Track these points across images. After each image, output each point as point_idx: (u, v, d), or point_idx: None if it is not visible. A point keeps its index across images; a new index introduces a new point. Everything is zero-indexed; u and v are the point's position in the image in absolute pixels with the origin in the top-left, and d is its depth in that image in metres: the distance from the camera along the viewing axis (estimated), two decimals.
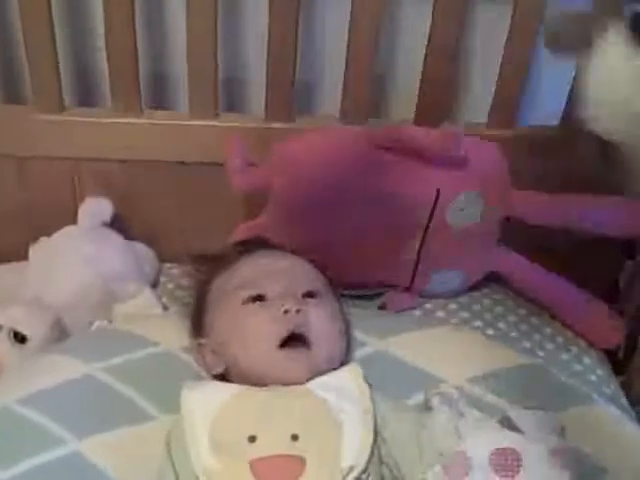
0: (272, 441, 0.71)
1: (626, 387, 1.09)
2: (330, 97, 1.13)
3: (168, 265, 1.19)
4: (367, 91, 1.09)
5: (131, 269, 1.08)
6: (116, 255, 1.07)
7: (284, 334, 0.78)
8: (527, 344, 1.10)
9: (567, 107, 1.11)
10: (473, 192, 1.03)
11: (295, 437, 0.71)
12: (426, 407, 0.81)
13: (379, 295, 1.14)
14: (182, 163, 1.13)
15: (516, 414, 0.76)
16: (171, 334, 0.90)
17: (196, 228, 1.17)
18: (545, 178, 1.10)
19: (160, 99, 1.18)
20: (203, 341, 0.84)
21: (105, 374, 0.84)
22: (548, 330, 1.14)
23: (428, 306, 1.15)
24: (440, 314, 1.14)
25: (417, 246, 1.07)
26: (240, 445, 0.71)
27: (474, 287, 1.18)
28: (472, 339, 0.94)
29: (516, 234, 1.11)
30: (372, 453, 0.72)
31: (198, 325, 0.87)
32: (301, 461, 0.70)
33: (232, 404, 0.74)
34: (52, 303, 1.01)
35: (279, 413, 0.73)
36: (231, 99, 1.17)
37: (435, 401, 0.79)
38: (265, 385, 0.76)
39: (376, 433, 0.74)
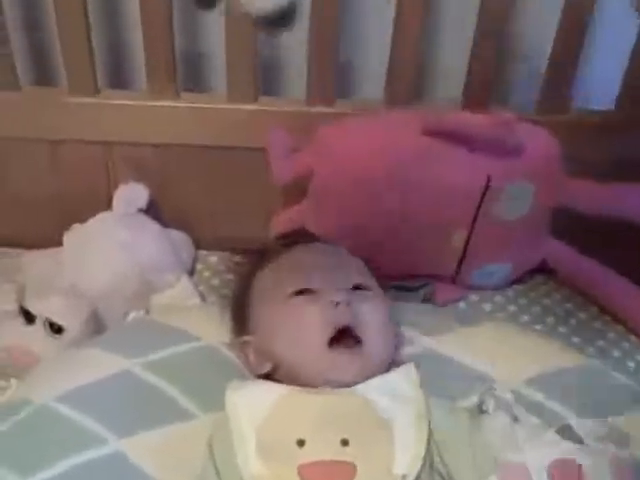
0: (321, 446, 0.67)
1: None
2: (372, 80, 1.08)
3: (205, 252, 1.16)
4: (413, 73, 1.05)
5: (168, 258, 1.04)
6: (153, 243, 1.04)
7: (334, 329, 0.74)
8: (576, 340, 1.07)
9: (622, 91, 1.06)
10: (525, 182, 0.99)
11: (345, 442, 0.67)
12: (480, 410, 0.77)
13: (422, 287, 1.10)
14: (219, 147, 1.09)
15: (576, 422, 0.72)
16: (212, 328, 0.86)
17: (232, 214, 1.14)
18: (599, 165, 1.05)
19: (196, 81, 1.14)
20: (247, 339, 0.81)
21: (145, 370, 0.81)
22: (598, 325, 1.10)
23: (473, 298, 1.12)
24: (486, 307, 1.11)
25: (464, 237, 1.02)
26: (288, 449, 0.67)
27: (520, 278, 1.14)
28: (525, 336, 0.90)
29: (565, 224, 1.07)
30: (425, 460, 0.69)
31: (241, 322, 0.83)
32: (351, 467, 0.66)
33: (280, 406, 0.70)
34: (87, 291, 0.98)
35: (329, 417, 0.69)
36: (270, 82, 1.13)
37: (490, 405, 0.75)
38: (314, 386, 0.72)
39: (429, 438, 0.70)
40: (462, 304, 1.10)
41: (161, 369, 0.81)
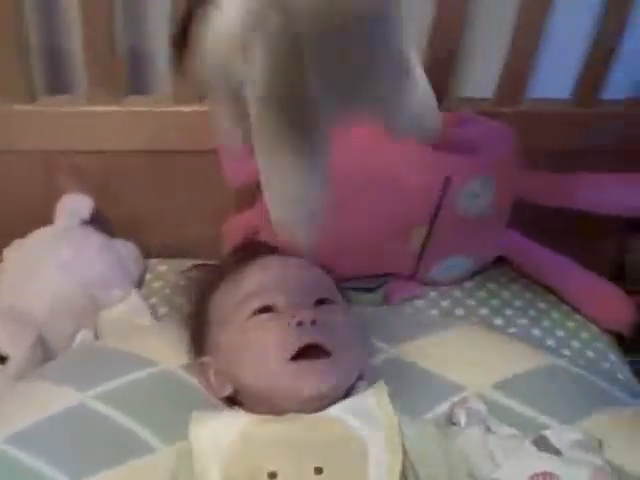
0: (294, 477, 0.64)
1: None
2: None
3: (154, 261, 1.11)
4: None
5: (114, 272, 0.99)
6: (97, 258, 0.98)
7: (297, 346, 0.70)
8: (536, 332, 1.06)
9: (578, 80, 1.05)
10: (483, 177, 0.97)
11: (319, 470, 0.64)
12: (451, 422, 0.75)
13: (381, 285, 1.08)
14: (165, 152, 1.04)
15: (552, 432, 0.71)
16: (168, 350, 0.82)
17: (182, 220, 1.10)
18: (555, 155, 1.04)
19: (138, 82, 1.08)
20: (206, 360, 0.77)
21: (99, 402, 0.77)
22: (557, 315, 1.10)
23: (432, 294, 1.10)
24: (445, 303, 1.09)
25: (424, 234, 1.00)
26: None
27: (477, 271, 1.13)
28: (490, 340, 0.89)
29: (520, 215, 1.06)
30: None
31: (199, 343, 0.79)
32: None
33: (247, 437, 0.67)
34: (28, 313, 0.92)
35: (300, 445, 0.66)
36: None
37: (462, 418, 0.73)
38: (281, 408, 0.69)
39: (404, 460, 0.68)
40: (421, 303, 1.08)
41: (116, 400, 0.77)
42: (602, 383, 0.84)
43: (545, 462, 0.68)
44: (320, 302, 0.75)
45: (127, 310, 0.97)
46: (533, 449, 0.69)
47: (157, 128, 1.02)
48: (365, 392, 0.72)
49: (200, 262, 0.94)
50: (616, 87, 1.03)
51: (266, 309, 0.74)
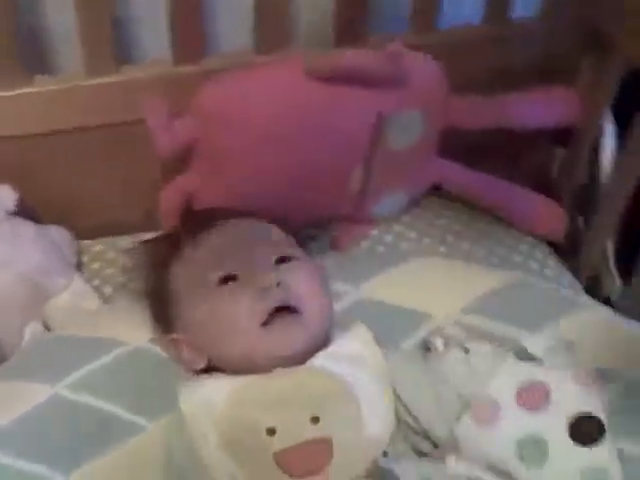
0: (293, 429, 0.65)
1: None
2: (239, 29, 1.02)
3: (87, 242, 1.07)
4: (282, 16, 0.99)
5: (53, 260, 0.95)
6: (32, 248, 0.93)
7: (266, 312, 0.69)
8: (480, 252, 1.09)
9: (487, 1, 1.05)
10: (414, 110, 0.98)
11: (315, 419, 0.65)
12: (426, 350, 0.76)
13: (326, 231, 1.08)
14: (84, 128, 0.99)
15: (529, 344, 0.73)
16: (127, 328, 0.80)
17: (111, 197, 1.06)
18: (474, 79, 1.05)
19: (42, 61, 1.02)
20: (175, 336, 0.75)
21: (75, 391, 0.74)
22: (495, 233, 1.13)
23: (374, 232, 1.11)
24: (388, 239, 1.10)
25: (361, 173, 1.00)
26: (259, 441, 0.64)
27: (412, 202, 1.14)
28: (447, 267, 0.90)
29: (447, 142, 1.07)
30: (395, 415, 0.68)
31: (164, 320, 0.77)
32: (328, 442, 0.64)
33: (239, 399, 0.67)
34: None
35: (292, 398, 0.67)
36: (129, 48, 1.03)
37: (439, 344, 0.74)
38: (263, 371, 0.68)
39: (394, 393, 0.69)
40: (366, 242, 1.09)
41: (90, 387, 0.75)
42: (559, 289, 0.87)
43: (530, 371, 0.70)
44: (280, 260, 0.74)
45: (73, 296, 0.94)
46: (516, 360, 0.71)
47: (72, 105, 0.97)
48: (345, 335, 0.72)
49: (144, 238, 0.92)
50: (525, 4, 1.05)
51: (229, 278, 0.72)
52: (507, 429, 0.68)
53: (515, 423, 0.69)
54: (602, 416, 0.68)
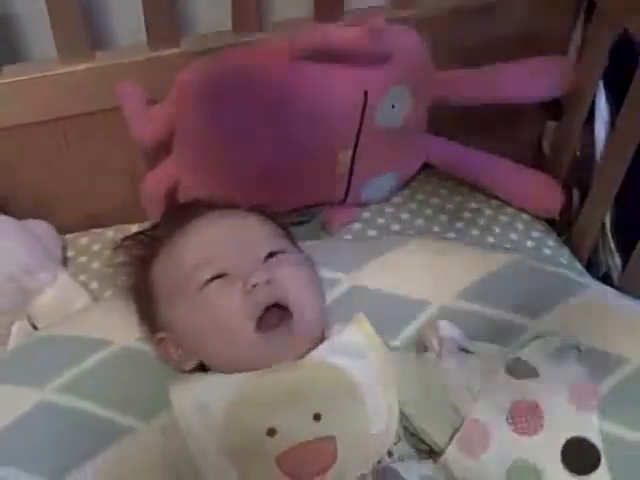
0: (295, 429, 0.62)
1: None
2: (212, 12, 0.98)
3: (72, 236, 1.04)
4: None
5: (37, 256, 0.92)
6: (16, 245, 0.90)
7: (258, 312, 0.66)
8: (475, 232, 1.07)
9: None
10: (400, 86, 0.94)
11: (317, 416, 0.63)
12: (424, 348, 0.73)
13: (315, 216, 1.05)
14: (60, 119, 0.95)
15: (527, 352, 0.69)
16: (116, 326, 0.77)
17: (92, 188, 1.03)
18: (461, 52, 1.02)
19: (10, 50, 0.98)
20: (164, 336, 0.72)
21: (63, 394, 0.71)
22: (489, 212, 1.10)
23: (366, 215, 1.08)
24: (380, 221, 1.08)
25: (350, 155, 0.97)
26: (260, 443, 0.61)
27: (404, 184, 1.12)
28: (443, 250, 0.86)
29: (437, 119, 1.04)
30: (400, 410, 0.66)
31: (151, 320, 0.74)
32: (331, 441, 0.62)
33: (236, 400, 0.64)
34: None
35: (293, 395, 0.64)
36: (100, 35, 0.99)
37: (435, 344, 0.71)
38: (258, 368, 0.66)
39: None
40: (358, 225, 1.06)
41: (80, 388, 0.72)
42: (559, 270, 0.84)
43: (520, 390, 0.66)
44: (270, 256, 0.71)
45: (59, 293, 0.90)
46: (508, 377, 0.67)
47: (46, 95, 0.93)
48: (346, 328, 0.70)
49: (130, 231, 0.89)
50: None
51: (217, 276, 0.69)
52: (497, 456, 0.63)
53: (505, 449, 0.64)
54: (598, 442, 0.63)
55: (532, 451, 0.63)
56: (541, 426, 0.64)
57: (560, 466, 0.63)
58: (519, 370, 0.67)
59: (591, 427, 0.64)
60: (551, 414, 0.64)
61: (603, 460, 0.63)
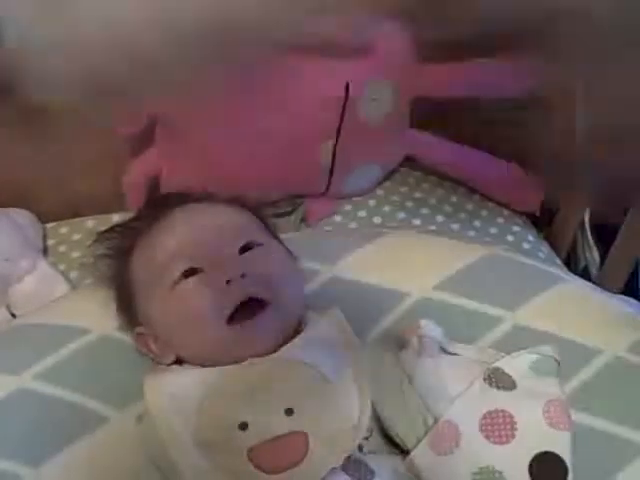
0: (266, 423, 0.62)
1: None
2: None
3: (52, 225, 1.04)
4: None
5: (16, 244, 0.92)
6: None
7: (233, 307, 0.66)
8: (455, 226, 1.07)
9: None
10: (382, 79, 0.95)
11: (289, 411, 0.62)
12: (402, 343, 0.73)
13: (295, 208, 1.06)
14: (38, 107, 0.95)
15: (506, 361, 0.69)
16: (95, 315, 0.76)
17: (73, 177, 1.03)
18: (447, 45, 1.02)
19: None
20: (141, 330, 0.72)
21: (39, 382, 0.71)
22: (470, 206, 1.11)
23: (347, 208, 1.09)
24: (362, 214, 1.08)
25: (331, 147, 0.98)
26: (232, 438, 0.61)
27: (386, 177, 1.12)
28: (422, 242, 0.86)
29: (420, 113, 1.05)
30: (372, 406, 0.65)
31: (129, 312, 0.73)
32: (302, 436, 0.61)
33: (210, 394, 0.64)
34: None
35: (265, 390, 0.64)
36: None
37: (414, 342, 0.71)
38: (233, 362, 0.66)
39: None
40: (339, 218, 1.07)
41: (56, 377, 0.71)
42: (537, 263, 0.84)
43: (495, 400, 0.66)
44: (246, 248, 0.71)
45: (39, 281, 0.91)
46: (485, 386, 0.67)
47: None
48: (321, 320, 0.70)
49: (111, 221, 0.88)
50: None
51: (191, 272, 0.68)
52: (465, 459, 0.63)
53: (474, 453, 0.64)
54: (567, 458, 0.63)
55: (500, 459, 0.63)
56: (512, 437, 0.64)
57: (526, 477, 0.63)
58: (497, 380, 0.67)
59: (563, 444, 0.64)
60: (523, 427, 0.64)
61: (570, 477, 0.63)
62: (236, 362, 0.65)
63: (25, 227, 0.96)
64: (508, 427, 0.64)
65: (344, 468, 0.61)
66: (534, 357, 0.69)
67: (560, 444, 0.64)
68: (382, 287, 0.81)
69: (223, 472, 0.61)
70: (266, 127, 0.92)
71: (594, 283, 0.88)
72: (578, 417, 0.69)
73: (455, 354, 0.71)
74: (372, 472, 0.61)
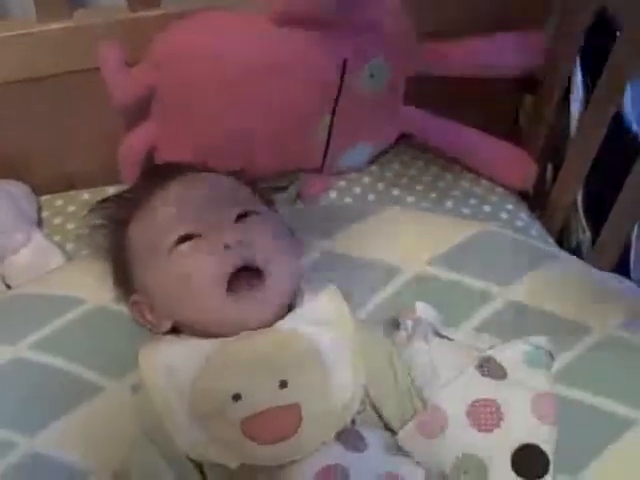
0: (259, 395, 0.62)
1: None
2: None
3: (47, 197, 1.04)
4: None
5: (11, 216, 0.92)
6: None
7: (229, 272, 0.67)
8: (449, 203, 1.07)
9: None
10: (381, 55, 0.95)
11: (284, 384, 0.63)
12: (397, 327, 0.74)
13: (291, 183, 1.05)
14: (36, 79, 0.94)
15: (498, 350, 0.69)
16: (91, 286, 0.77)
17: (69, 149, 1.02)
18: (441, 26, 1.02)
19: None
20: (137, 298, 0.72)
21: (35, 351, 0.72)
22: (464, 184, 1.11)
23: (342, 184, 1.09)
24: (357, 190, 1.08)
25: (328, 122, 0.98)
26: (225, 408, 0.62)
27: (380, 154, 1.12)
28: (418, 218, 0.88)
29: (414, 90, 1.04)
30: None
31: (125, 281, 0.74)
32: (296, 408, 0.62)
33: (204, 364, 0.64)
34: None
35: (260, 362, 0.64)
36: None
37: (409, 327, 0.72)
38: (228, 333, 0.66)
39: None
40: (334, 194, 1.07)
41: (52, 346, 0.73)
42: (530, 241, 0.85)
43: (485, 389, 0.66)
44: (242, 216, 0.71)
45: (34, 253, 0.91)
46: (477, 374, 0.67)
47: (23, 53, 0.92)
48: (316, 297, 0.70)
49: (106, 193, 0.88)
50: None
51: (188, 237, 0.69)
52: (449, 443, 0.64)
53: (459, 438, 0.64)
54: (550, 451, 0.64)
55: (483, 447, 0.64)
56: (498, 426, 0.64)
57: (508, 467, 0.63)
58: (489, 368, 0.68)
59: (546, 438, 0.65)
60: (510, 418, 0.65)
61: (551, 470, 0.64)
62: (232, 333, 0.66)
63: (19, 199, 0.96)
64: (495, 416, 0.65)
65: (337, 441, 0.62)
66: (527, 348, 0.69)
67: (544, 437, 0.65)
68: (376, 263, 0.81)
69: (217, 443, 0.61)
70: (267, 98, 0.91)
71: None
72: (569, 393, 0.70)
73: (449, 338, 0.72)
74: (363, 438, 0.62)
